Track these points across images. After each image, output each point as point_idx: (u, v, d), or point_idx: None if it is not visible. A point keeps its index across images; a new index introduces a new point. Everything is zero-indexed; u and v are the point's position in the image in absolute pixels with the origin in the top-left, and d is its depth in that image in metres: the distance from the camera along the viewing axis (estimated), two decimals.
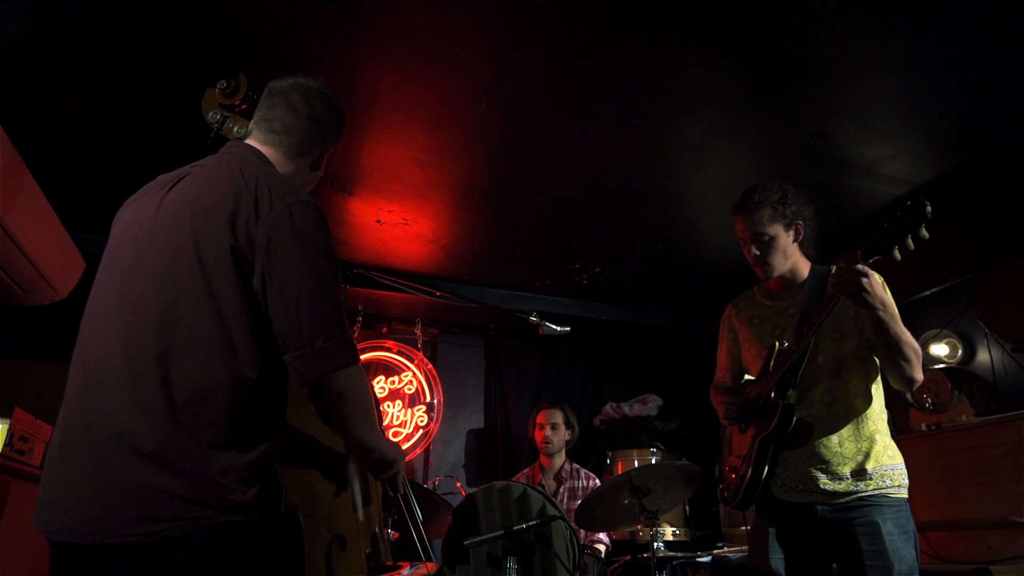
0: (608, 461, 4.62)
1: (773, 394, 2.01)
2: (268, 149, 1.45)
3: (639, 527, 3.55)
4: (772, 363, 2.05)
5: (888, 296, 1.86)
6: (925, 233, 1.64)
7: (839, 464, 1.94)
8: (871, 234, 1.73)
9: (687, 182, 3.54)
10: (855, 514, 1.89)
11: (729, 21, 2.45)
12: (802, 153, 3.24)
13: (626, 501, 2.88)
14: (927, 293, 3.91)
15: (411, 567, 2.57)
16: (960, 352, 3.79)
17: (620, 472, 3.76)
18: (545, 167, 3.41)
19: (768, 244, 2.09)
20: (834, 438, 1.97)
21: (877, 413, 2.02)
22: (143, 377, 1.14)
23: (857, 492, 1.91)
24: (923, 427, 3.44)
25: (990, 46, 2.56)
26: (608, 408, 5.18)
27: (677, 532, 4.03)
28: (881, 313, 1.80)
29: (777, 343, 2.06)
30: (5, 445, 2.26)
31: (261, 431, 1.19)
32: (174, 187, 1.32)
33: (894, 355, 1.85)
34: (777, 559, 1.98)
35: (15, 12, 2.37)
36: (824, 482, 1.94)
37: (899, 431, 3.59)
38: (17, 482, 2.28)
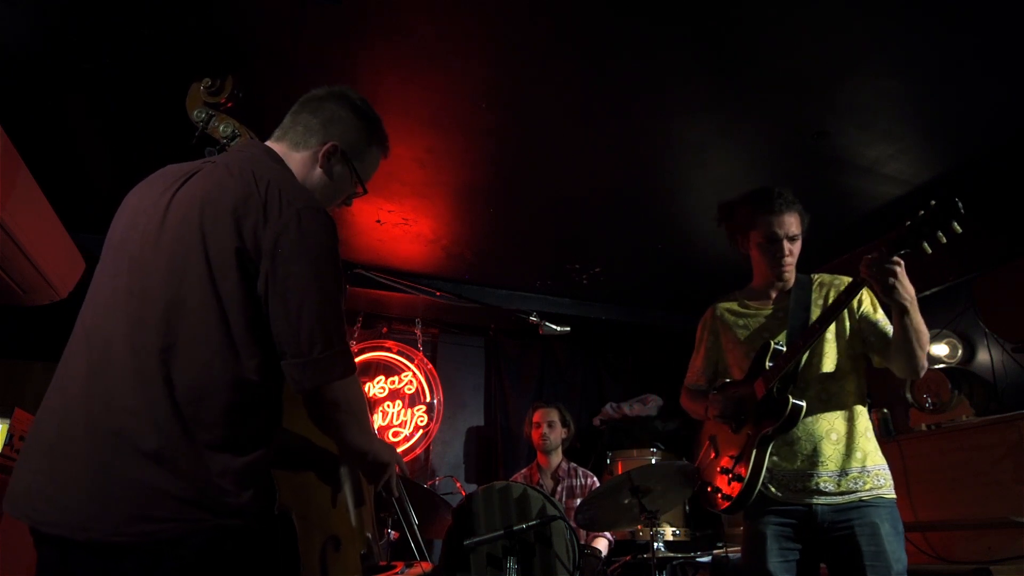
0: (608, 461, 4.61)
1: (776, 390, 2.01)
2: (278, 146, 1.45)
3: (639, 527, 3.55)
4: (768, 362, 2.06)
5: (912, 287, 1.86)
6: (958, 228, 1.66)
7: (838, 461, 1.97)
8: (899, 228, 1.76)
9: (687, 182, 3.54)
10: (854, 515, 1.91)
11: (729, 21, 2.45)
12: (802, 153, 3.24)
13: (626, 501, 2.88)
14: (927, 293, 3.89)
15: (405, 566, 2.57)
16: (960, 352, 3.78)
17: (620, 472, 3.76)
18: (545, 167, 3.41)
19: (797, 244, 2.14)
20: (832, 435, 1.99)
21: (866, 412, 2.08)
22: (147, 374, 1.13)
23: (856, 491, 1.93)
24: (923, 427, 3.43)
25: (990, 46, 2.56)
26: (608, 408, 5.17)
27: (677, 532, 4.02)
28: (909, 304, 1.81)
29: (773, 342, 2.08)
30: (5, 445, 2.26)
31: (258, 435, 1.19)
32: (186, 182, 1.31)
33: (912, 345, 1.86)
34: (776, 562, 1.97)
35: (15, 12, 2.37)
36: (824, 480, 1.95)
37: (899, 431, 3.58)
38: None
